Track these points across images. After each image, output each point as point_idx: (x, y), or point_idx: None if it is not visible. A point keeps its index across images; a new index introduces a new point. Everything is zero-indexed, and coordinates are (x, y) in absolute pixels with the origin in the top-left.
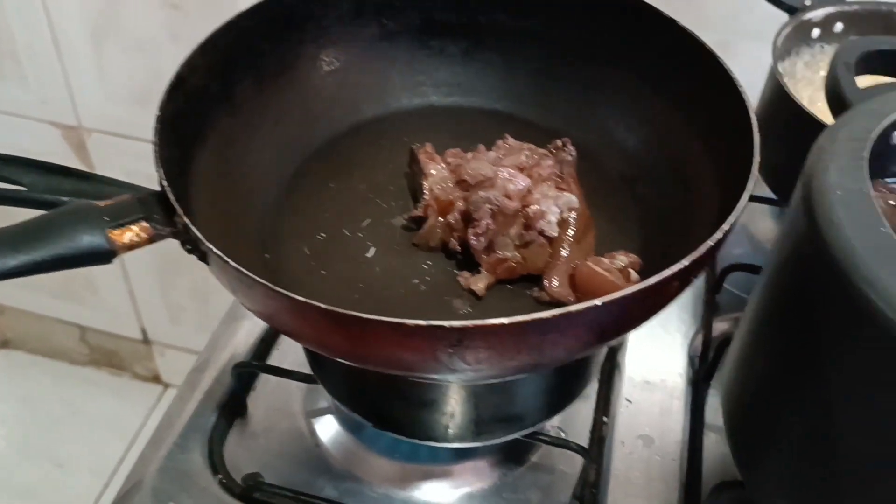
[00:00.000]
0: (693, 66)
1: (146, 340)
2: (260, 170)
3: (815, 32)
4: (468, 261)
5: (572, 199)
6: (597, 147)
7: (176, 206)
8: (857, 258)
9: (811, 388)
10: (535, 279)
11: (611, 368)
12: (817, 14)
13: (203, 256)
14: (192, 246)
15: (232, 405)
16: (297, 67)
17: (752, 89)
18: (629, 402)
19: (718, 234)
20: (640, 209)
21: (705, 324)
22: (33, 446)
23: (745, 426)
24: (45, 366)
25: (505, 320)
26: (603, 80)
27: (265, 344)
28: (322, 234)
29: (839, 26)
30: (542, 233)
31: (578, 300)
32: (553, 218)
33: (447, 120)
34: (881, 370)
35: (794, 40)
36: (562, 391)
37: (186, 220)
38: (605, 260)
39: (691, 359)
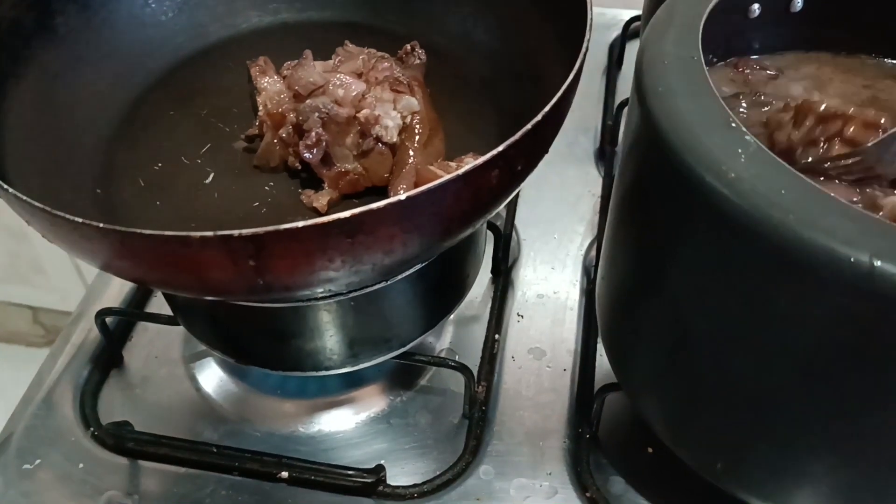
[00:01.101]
0: None
1: None
2: (91, 103)
3: None
4: (312, 179)
5: (412, 101)
6: (457, 50)
7: None
8: (680, 126)
9: (658, 276)
10: (383, 191)
11: (503, 285)
12: None
13: None
14: None
15: (105, 356)
16: None
17: None
18: (521, 317)
19: (538, 118)
20: (498, 110)
21: (600, 232)
22: None
23: (613, 323)
24: (2, 351)
25: (301, 223)
26: None
27: (141, 292)
28: (159, 165)
29: None
30: (379, 139)
31: None
32: (390, 123)
33: (301, 37)
34: (711, 247)
35: None
36: (433, 307)
37: None
38: (452, 164)
39: (586, 269)
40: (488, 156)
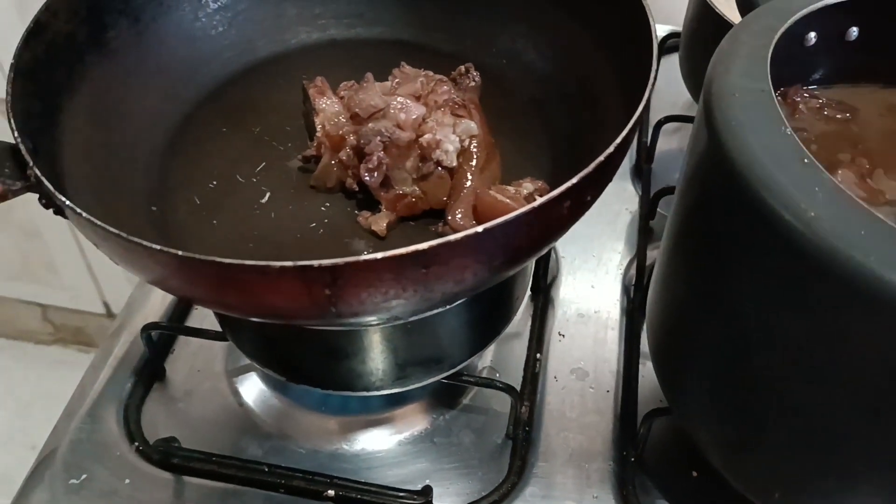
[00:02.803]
0: None
1: (110, 314)
2: (143, 118)
3: None
4: (368, 200)
5: (471, 125)
6: (507, 71)
7: (28, 158)
8: (754, 161)
9: (721, 304)
10: (440, 214)
11: (543, 303)
12: None
13: (60, 211)
14: (48, 200)
15: (148, 370)
16: (180, 7)
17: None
18: (562, 336)
19: (610, 149)
20: (550, 133)
21: (639, 251)
22: (4, 431)
23: (667, 348)
24: (12, 349)
25: (379, 255)
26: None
27: (183, 305)
28: (213, 182)
29: None
30: (439, 163)
31: None
32: (450, 147)
33: (350, 54)
34: (783, 280)
35: None
36: (483, 329)
37: (37, 172)
38: (511, 188)
39: (626, 288)
40: (563, 188)
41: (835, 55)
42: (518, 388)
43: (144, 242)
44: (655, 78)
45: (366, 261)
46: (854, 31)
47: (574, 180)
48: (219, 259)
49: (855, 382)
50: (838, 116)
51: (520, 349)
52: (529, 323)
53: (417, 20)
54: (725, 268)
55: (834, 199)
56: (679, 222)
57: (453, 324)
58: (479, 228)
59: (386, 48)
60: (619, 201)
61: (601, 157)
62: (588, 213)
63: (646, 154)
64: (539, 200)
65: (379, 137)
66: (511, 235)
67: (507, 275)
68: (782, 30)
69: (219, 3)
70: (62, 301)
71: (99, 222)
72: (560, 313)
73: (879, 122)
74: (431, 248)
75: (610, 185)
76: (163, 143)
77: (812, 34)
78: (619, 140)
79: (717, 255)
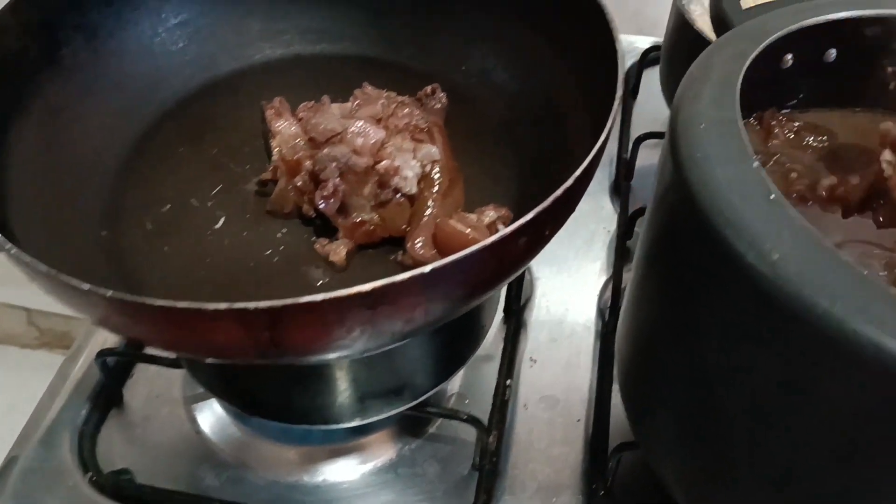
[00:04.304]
0: None
1: None
2: (98, 138)
3: None
4: (326, 226)
5: (433, 150)
6: (476, 91)
7: None
8: (718, 197)
9: (686, 340)
10: (401, 241)
11: (516, 326)
12: None
13: None
14: None
15: (105, 395)
16: (138, 22)
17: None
18: (534, 361)
19: (569, 182)
20: (519, 156)
21: (615, 272)
22: None
23: (634, 380)
24: None
25: (319, 297)
26: (478, 17)
27: None
28: (167, 206)
29: None
30: (398, 190)
31: None
32: (410, 173)
33: (315, 70)
34: (747, 322)
35: None
36: (448, 357)
37: None
38: (473, 216)
39: (601, 311)
40: (516, 225)
41: (812, 77)
42: (486, 417)
43: (73, 281)
44: (620, 105)
45: (306, 303)
46: (832, 53)
47: (529, 216)
48: (149, 301)
49: (819, 427)
50: (814, 142)
51: (490, 373)
52: (501, 347)
53: (385, 36)
54: (690, 303)
55: (800, 240)
56: (647, 250)
57: (417, 353)
58: (427, 269)
59: (352, 64)
60: (596, 220)
61: (558, 192)
62: (564, 232)
63: (625, 170)
64: (491, 238)
65: (335, 164)
66: (462, 274)
67: (462, 311)
68: (755, 54)
69: (180, 18)
70: (47, 305)
71: (27, 257)
72: (532, 337)
73: (857, 149)
74: (376, 289)
75: (587, 202)
76: (117, 164)
77: (789, 56)
78: (578, 173)
79: (683, 289)
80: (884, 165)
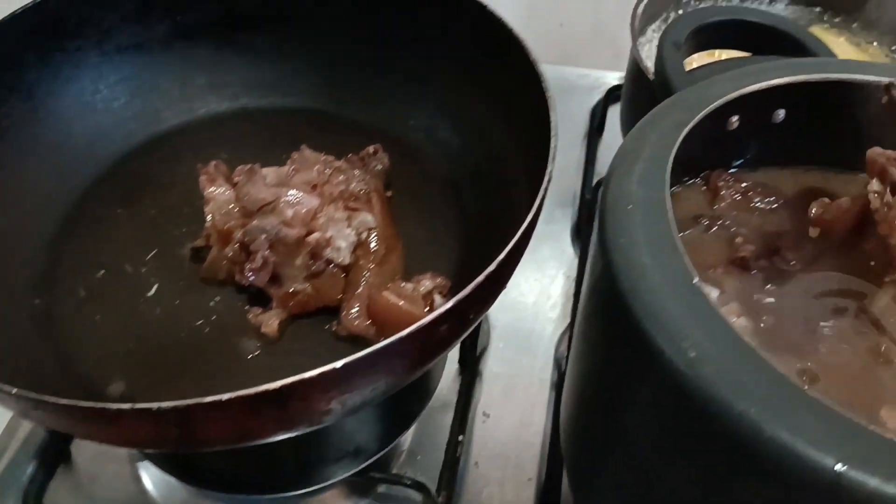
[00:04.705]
0: (502, 52)
1: None
2: (34, 201)
3: None
4: (261, 294)
5: (368, 218)
6: (423, 147)
7: None
8: (640, 287)
9: (616, 420)
10: (336, 311)
11: (470, 378)
12: None
13: None
14: None
15: (52, 452)
16: (79, 79)
17: None
18: (487, 416)
19: (491, 267)
20: (463, 217)
21: (572, 323)
22: None
23: (575, 450)
24: None
25: (227, 396)
26: (424, 75)
27: None
28: (102, 272)
29: None
30: (331, 262)
31: (379, 333)
32: (343, 243)
33: (262, 124)
34: (668, 417)
35: (663, 3)
36: (395, 419)
37: None
38: (409, 286)
39: (558, 362)
40: (435, 314)
41: (761, 137)
42: (437, 474)
43: None
44: (549, 181)
45: (212, 402)
46: (780, 114)
47: (448, 305)
48: (52, 400)
49: None
50: (761, 204)
51: (444, 427)
52: (456, 399)
53: (333, 90)
54: (617, 386)
55: (719, 338)
56: (581, 325)
57: (363, 416)
58: (339, 364)
59: (300, 118)
60: (556, 265)
61: (480, 278)
62: (523, 277)
63: (587, 214)
64: (407, 330)
65: (265, 235)
66: (378, 363)
67: (389, 394)
68: (690, 126)
69: (121, 74)
70: None
71: None
72: (487, 389)
73: (804, 207)
74: (285, 387)
75: (548, 246)
76: (53, 227)
77: (735, 117)
78: (502, 256)
79: (611, 370)
80: (871, 196)
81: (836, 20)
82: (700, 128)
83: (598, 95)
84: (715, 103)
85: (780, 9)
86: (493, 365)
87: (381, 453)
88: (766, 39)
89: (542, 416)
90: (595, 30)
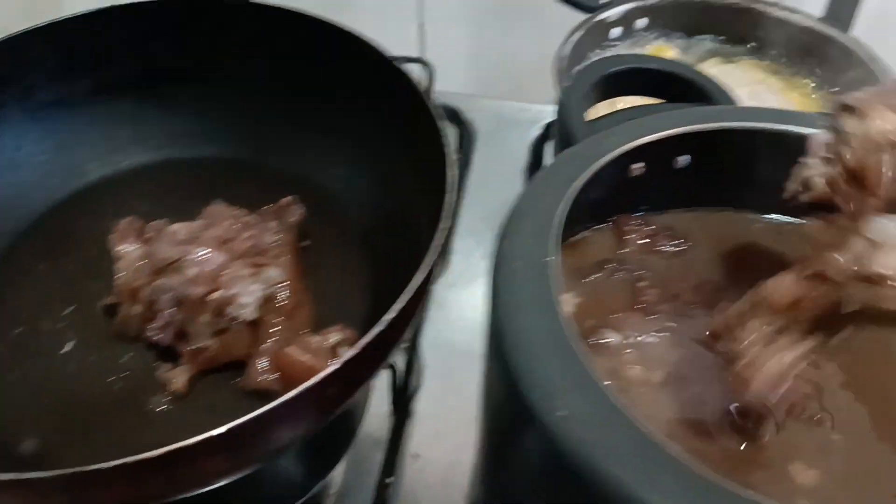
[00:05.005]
0: (410, 108)
1: None
2: None
3: (616, 32)
4: (171, 350)
5: (274, 274)
6: (341, 196)
7: None
8: (518, 346)
9: (505, 472)
10: (244, 364)
11: (401, 419)
12: (615, 13)
13: None
14: None
15: None
16: (1, 136)
17: None
18: (417, 456)
19: (380, 327)
20: (376, 268)
21: None
22: None
23: (483, 499)
24: None
25: (109, 464)
26: (342, 125)
27: None
28: (19, 329)
29: (642, 22)
30: (235, 318)
31: (286, 388)
32: (248, 300)
33: (186, 175)
34: (548, 475)
35: (591, 44)
36: (308, 468)
37: None
38: (317, 339)
39: None
40: (318, 378)
41: (665, 183)
42: None
43: None
44: (446, 229)
45: (93, 471)
46: (682, 160)
47: (331, 369)
48: None
49: None
50: (668, 248)
51: (375, 467)
52: (387, 437)
53: (256, 140)
54: (506, 441)
55: (590, 397)
56: (483, 375)
57: (280, 462)
58: (223, 429)
59: (223, 168)
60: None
61: (364, 340)
62: (457, 316)
63: None
64: (289, 393)
65: (168, 294)
66: (266, 426)
67: (282, 452)
68: (586, 179)
69: (44, 130)
70: None
71: None
72: (418, 430)
73: (710, 249)
74: (167, 454)
75: (479, 285)
76: None
77: (637, 165)
78: (390, 316)
79: (501, 424)
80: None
81: (767, 57)
82: (602, 176)
83: (538, 130)
84: (606, 157)
85: (707, 45)
86: (425, 405)
87: (305, 498)
88: (670, 86)
89: (470, 456)
90: (540, 63)
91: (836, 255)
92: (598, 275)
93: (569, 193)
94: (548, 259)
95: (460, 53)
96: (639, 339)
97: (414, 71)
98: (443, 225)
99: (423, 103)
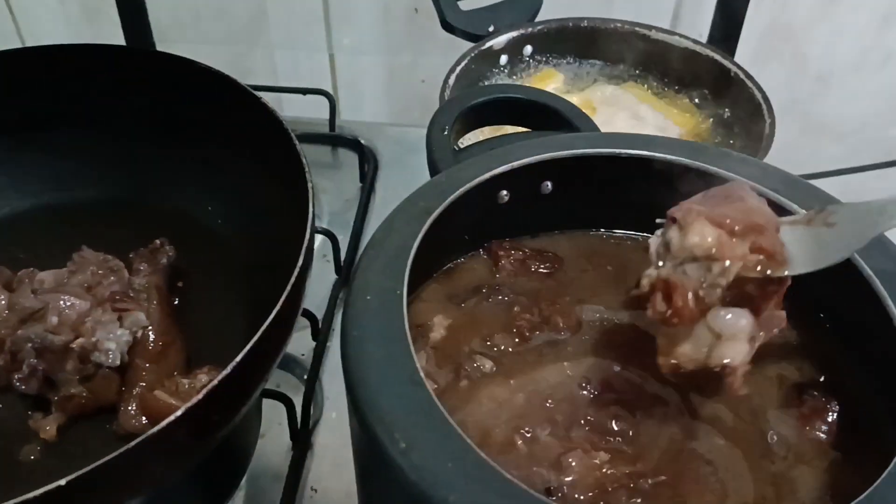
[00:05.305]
0: (280, 146)
1: None
2: None
3: (503, 59)
4: (42, 399)
5: (140, 317)
6: (220, 231)
7: None
8: (366, 379)
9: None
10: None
11: (301, 452)
12: (499, 41)
13: None
14: None
15: None
16: None
17: None
18: (315, 490)
19: (228, 371)
20: (254, 301)
21: None
22: None
23: None
24: None
25: None
26: (219, 161)
27: None
28: None
29: (528, 49)
30: (101, 365)
31: None
32: (111, 346)
33: (65, 220)
34: (395, 501)
35: (479, 72)
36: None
37: None
38: (185, 381)
39: None
40: (162, 425)
41: (535, 207)
42: None
43: None
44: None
45: None
46: (548, 185)
47: (175, 415)
48: None
49: None
50: (541, 270)
51: (276, 494)
52: (286, 471)
53: (135, 179)
54: (365, 471)
55: (433, 428)
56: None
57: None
58: (62, 482)
59: (103, 210)
60: None
61: (213, 383)
62: None
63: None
64: (132, 442)
65: (30, 344)
66: (113, 476)
67: (151, 495)
68: (438, 212)
69: None
70: None
71: None
72: (316, 462)
73: (581, 269)
74: None
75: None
76: None
77: (504, 192)
78: (238, 359)
79: (360, 456)
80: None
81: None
82: (466, 204)
83: None
84: (463, 187)
85: (594, 69)
86: (325, 436)
87: None
88: (536, 114)
89: None
90: None
91: (682, 347)
92: (473, 300)
93: (425, 225)
94: (399, 292)
95: (371, 82)
96: (510, 361)
97: (319, 102)
98: (300, 260)
99: (288, 137)
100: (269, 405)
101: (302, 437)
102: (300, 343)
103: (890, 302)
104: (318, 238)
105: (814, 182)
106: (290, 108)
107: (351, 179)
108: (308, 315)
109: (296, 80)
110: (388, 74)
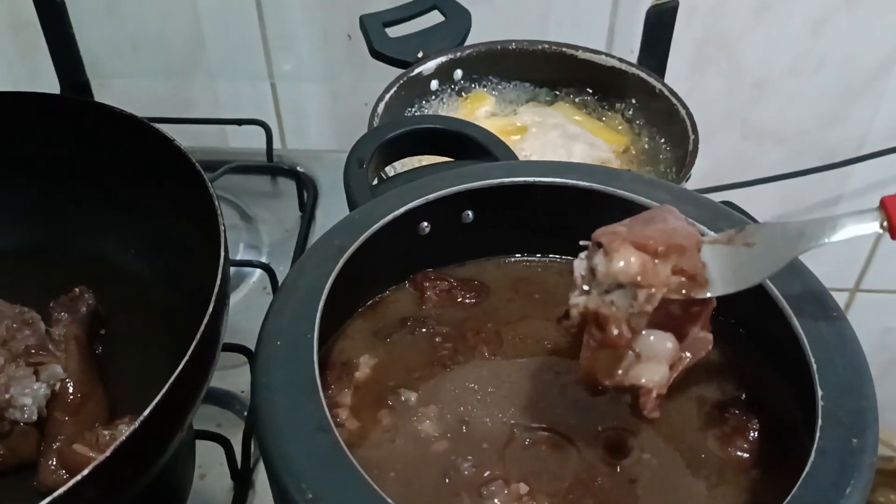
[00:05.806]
0: (196, 189)
1: None
2: None
3: (434, 84)
4: None
5: (56, 370)
6: (145, 275)
7: None
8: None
9: None
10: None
11: (242, 491)
12: (428, 67)
13: None
14: None
15: None
16: None
17: None
18: None
19: (126, 434)
20: (180, 345)
21: None
22: None
23: None
24: None
25: None
26: (139, 204)
27: None
28: None
29: (458, 73)
30: (17, 422)
31: None
32: (27, 401)
33: None
34: None
35: (410, 98)
36: None
37: None
38: (106, 433)
39: None
40: (69, 485)
41: (458, 236)
42: None
43: None
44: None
45: None
46: (469, 215)
47: (73, 482)
48: None
49: None
50: (467, 299)
51: None
52: None
53: (56, 224)
54: None
55: (341, 477)
56: None
57: None
58: None
59: (21, 259)
60: None
61: (116, 443)
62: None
63: None
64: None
65: None
66: None
67: None
68: (350, 252)
69: None
70: None
71: None
72: (258, 500)
73: (507, 297)
74: None
75: None
76: None
77: (425, 223)
78: (145, 414)
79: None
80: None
81: (580, 97)
82: (387, 238)
83: None
84: (377, 224)
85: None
86: (264, 477)
87: None
88: (454, 144)
89: None
90: None
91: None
92: (398, 333)
93: (338, 265)
94: (309, 336)
95: (315, 107)
96: (433, 393)
97: (255, 132)
98: (210, 307)
99: (199, 175)
100: (210, 444)
101: (242, 475)
102: (239, 379)
103: (796, 322)
104: (257, 272)
105: (756, 187)
106: (234, 139)
107: (291, 209)
108: (245, 351)
109: (238, 110)
110: (331, 99)
